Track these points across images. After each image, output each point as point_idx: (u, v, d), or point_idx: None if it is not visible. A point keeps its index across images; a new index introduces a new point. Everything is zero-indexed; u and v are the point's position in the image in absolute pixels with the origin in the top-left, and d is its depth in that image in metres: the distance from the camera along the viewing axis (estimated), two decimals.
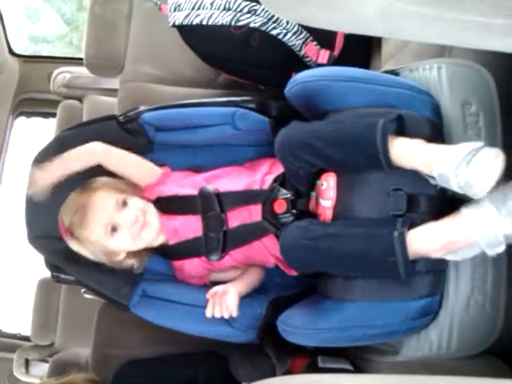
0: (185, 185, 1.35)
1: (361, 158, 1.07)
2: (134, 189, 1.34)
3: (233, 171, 1.36)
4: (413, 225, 1.03)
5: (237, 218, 1.29)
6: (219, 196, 1.29)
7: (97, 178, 1.33)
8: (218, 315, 1.18)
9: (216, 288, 1.23)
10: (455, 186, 0.97)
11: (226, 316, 1.18)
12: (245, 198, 1.29)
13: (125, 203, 1.27)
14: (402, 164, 1.04)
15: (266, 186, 1.27)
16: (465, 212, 0.98)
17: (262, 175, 1.30)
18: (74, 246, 1.32)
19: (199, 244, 1.31)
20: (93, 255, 1.32)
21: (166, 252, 1.37)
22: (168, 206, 1.33)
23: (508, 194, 0.95)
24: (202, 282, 1.36)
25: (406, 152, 1.03)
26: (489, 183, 0.94)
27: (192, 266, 1.34)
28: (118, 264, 1.33)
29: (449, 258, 1.03)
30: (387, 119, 1.04)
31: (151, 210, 1.31)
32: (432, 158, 0.99)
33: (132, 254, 1.33)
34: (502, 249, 0.96)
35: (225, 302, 1.19)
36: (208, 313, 1.19)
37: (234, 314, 1.19)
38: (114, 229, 1.26)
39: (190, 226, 1.32)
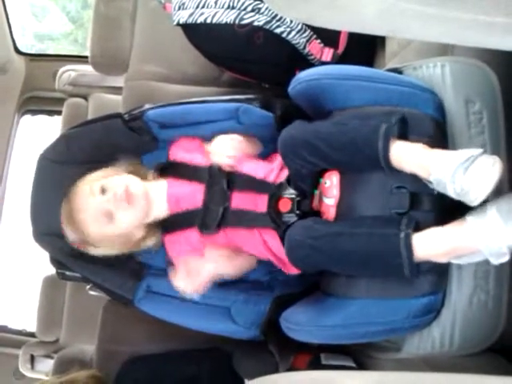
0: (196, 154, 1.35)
1: (363, 160, 1.08)
2: (117, 168, 1.33)
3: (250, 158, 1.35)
4: (417, 225, 1.03)
5: (242, 201, 1.29)
6: (229, 174, 1.30)
7: (76, 183, 1.32)
8: (181, 286, 1.24)
9: (193, 261, 1.26)
10: (451, 192, 0.97)
11: (190, 291, 1.23)
12: (254, 184, 1.28)
13: (103, 189, 1.26)
14: (401, 168, 1.05)
15: (279, 181, 1.27)
16: (470, 220, 0.97)
17: (279, 168, 1.29)
18: (94, 252, 1.32)
19: (196, 215, 1.30)
20: (115, 250, 1.32)
21: (165, 224, 1.35)
22: (178, 170, 1.34)
23: None
24: (197, 254, 1.33)
25: (406, 156, 1.03)
26: (484, 191, 0.94)
27: (185, 239, 1.33)
28: (143, 244, 1.33)
29: (453, 261, 1.03)
30: (390, 124, 1.04)
31: (132, 180, 1.29)
32: (430, 163, 1.00)
33: (147, 233, 1.32)
34: (506, 259, 0.96)
35: (195, 279, 1.23)
36: (177, 282, 1.25)
37: (196, 294, 1.24)
38: (109, 216, 1.25)
39: (193, 196, 1.31)
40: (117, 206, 1.25)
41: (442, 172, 0.97)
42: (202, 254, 1.34)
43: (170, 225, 1.34)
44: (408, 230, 1.01)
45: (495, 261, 0.97)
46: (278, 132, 1.31)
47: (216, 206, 1.29)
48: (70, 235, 1.31)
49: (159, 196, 1.33)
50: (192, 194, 1.32)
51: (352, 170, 1.13)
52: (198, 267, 1.26)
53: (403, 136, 1.07)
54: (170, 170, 1.36)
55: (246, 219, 1.28)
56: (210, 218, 1.29)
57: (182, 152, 1.37)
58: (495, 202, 0.96)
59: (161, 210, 1.33)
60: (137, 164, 1.37)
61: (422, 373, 0.77)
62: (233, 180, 1.30)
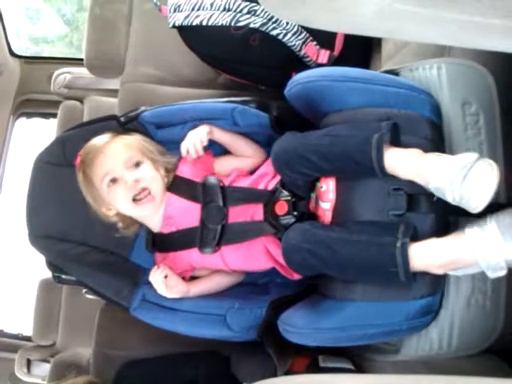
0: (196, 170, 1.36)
1: (357, 169, 1.08)
2: (165, 160, 1.34)
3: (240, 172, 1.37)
4: (415, 231, 1.03)
5: (238, 214, 1.29)
6: (224, 189, 1.30)
7: (133, 133, 1.35)
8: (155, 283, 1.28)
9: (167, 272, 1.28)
10: (451, 199, 0.97)
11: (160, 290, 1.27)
12: (249, 196, 1.29)
13: (137, 165, 1.29)
14: (397, 175, 1.04)
15: (270, 188, 1.28)
16: (469, 233, 0.97)
17: (269, 178, 1.30)
18: (78, 178, 1.34)
19: (194, 235, 1.30)
20: (87, 195, 1.34)
21: (159, 241, 1.36)
22: (177, 186, 1.34)
23: None
24: (181, 276, 1.35)
25: (402, 165, 1.03)
26: (485, 199, 0.93)
27: (176, 260, 1.34)
28: (103, 216, 1.34)
29: (449, 273, 1.03)
30: (381, 133, 1.04)
31: (158, 184, 1.31)
32: (427, 171, 0.99)
33: (122, 216, 1.34)
34: (503, 273, 0.95)
35: (165, 286, 1.27)
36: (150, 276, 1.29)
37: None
38: (113, 180, 1.28)
39: (190, 214, 1.31)
40: (123, 187, 1.27)
41: (440, 180, 0.97)
42: (187, 275, 1.36)
43: (166, 244, 1.34)
44: (405, 238, 1.01)
45: (492, 274, 0.96)
46: (273, 134, 1.32)
47: (214, 225, 1.29)
48: (83, 151, 1.34)
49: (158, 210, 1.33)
50: (189, 213, 1.31)
51: (347, 177, 1.13)
52: (173, 284, 1.28)
53: (396, 141, 1.06)
54: (172, 182, 1.36)
55: (245, 231, 1.28)
56: (209, 236, 1.29)
57: (188, 166, 1.37)
58: (495, 215, 0.96)
59: (153, 225, 1.35)
60: (172, 169, 1.36)
61: (421, 375, 0.77)
62: (228, 195, 1.29)
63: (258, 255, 1.30)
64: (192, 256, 1.32)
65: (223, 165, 1.38)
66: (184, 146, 1.32)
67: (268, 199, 1.26)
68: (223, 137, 1.35)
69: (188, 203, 1.32)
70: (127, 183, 1.27)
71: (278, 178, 1.28)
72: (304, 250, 1.09)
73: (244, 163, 1.37)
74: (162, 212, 1.33)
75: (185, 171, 1.36)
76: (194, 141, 1.30)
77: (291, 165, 1.14)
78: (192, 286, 1.31)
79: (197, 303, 1.30)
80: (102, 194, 1.30)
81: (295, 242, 1.12)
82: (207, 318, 1.28)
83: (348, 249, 1.06)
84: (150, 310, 1.32)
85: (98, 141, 1.33)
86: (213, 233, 1.28)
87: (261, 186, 1.30)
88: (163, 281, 1.27)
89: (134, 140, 1.33)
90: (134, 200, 1.28)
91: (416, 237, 1.03)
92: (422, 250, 1.01)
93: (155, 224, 1.34)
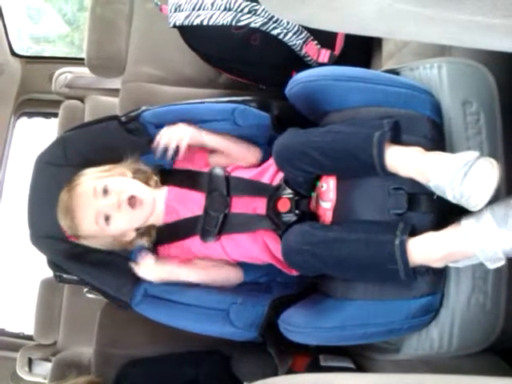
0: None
1: (358, 167, 1.08)
2: (122, 168, 1.33)
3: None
4: (414, 229, 1.03)
5: (241, 205, 1.29)
6: (228, 179, 1.30)
7: (79, 173, 1.33)
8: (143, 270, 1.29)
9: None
10: (451, 197, 0.97)
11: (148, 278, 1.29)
12: (252, 188, 1.29)
13: (105, 190, 1.26)
14: (398, 173, 1.05)
15: (275, 183, 1.28)
16: (465, 225, 0.97)
17: (273, 172, 1.30)
18: (85, 243, 1.33)
19: (196, 223, 1.30)
20: (105, 246, 1.33)
21: (162, 234, 1.35)
22: (179, 178, 1.35)
23: (510, 211, 0.94)
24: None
25: (403, 163, 1.04)
26: (485, 197, 0.94)
27: (178, 251, 1.34)
28: (130, 246, 1.34)
29: (450, 265, 1.04)
30: (382, 131, 1.04)
31: (139, 186, 1.30)
32: (428, 169, 1.00)
33: (141, 233, 1.33)
34: (501, 263, 0.96)
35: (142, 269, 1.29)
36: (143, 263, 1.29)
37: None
38: (106, 218, 1.26)
39: (193, 203, 1.32)
40: (117, 210, 1.25)
41: (440, 178, 0.97)
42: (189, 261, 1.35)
43: (168, 235, 1.34)
44: (403, 236, 1.01)
45: (491, 265, 0.97)
46: (274, 133, 1.32)
47: (216, 213, 1.29)
48: (63, 225, 1.32)
49: (158, 204, 1.33)
50: (192, 203, 1.32)
51: (348, 175, 1.14)
52: (171, 267, 1.29)
53: (397, 139, 1.07)
54: (171, 176, 1.37)
55: (246, 223, 1.28)
56: (211, 224, 1.29)
57: (188, 159, 1.37)
58: (490, 206, 0.96)
59: (156, 219, 1.34)
60: (141, 165, 1.36)
61: (424, 374, 0.77)
62: (232, 185, 1.30)
63: (257, 248, 1.30)
64: (195, 245, 1.32)
65: (216, 160, 1.38)
66: (161, 133, 1.32)
67: (271, 194, 1.26)
68: (212, 142, 1.34)
69: (191, 193, 1.33)
70: (114, 204, 1.25)
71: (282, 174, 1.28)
72: (304, 251, 1.10)
73: (236, 162, 1.37)
74: (163, 205, 1.33)
75: (185, 163, 1.36)
76: (177, 135, 1.30)
77: (292, 161, 1.14)
78: (180, 268, 1.30)
79: (199, 296, 1.29)
80: (110, 233, 1.29)
81: (295, 244, 1.12)
82: (210, 313, 1.28)
83: (347, 248, 1.06)
84: (152, 305, 1.32)
85: (63, 201, 1.30)
86: (215, 221, 1.29)
87: (265, 180, 1.30)
88: (143, 264, 1.29)
89: (86, 174, 1.32)
90: (130, 205, 1.26)
91: (414, 233, 1.03)
92: (419, 244, 1.01)
93: (159, 218, 1.34)
